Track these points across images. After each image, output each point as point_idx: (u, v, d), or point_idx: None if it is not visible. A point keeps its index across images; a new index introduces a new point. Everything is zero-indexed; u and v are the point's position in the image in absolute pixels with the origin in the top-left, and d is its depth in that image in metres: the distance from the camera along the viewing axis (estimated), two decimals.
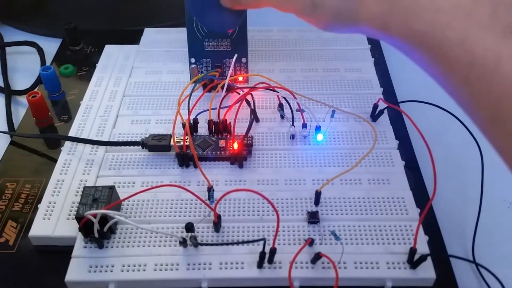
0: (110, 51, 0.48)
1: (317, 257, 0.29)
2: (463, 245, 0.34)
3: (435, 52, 0.22)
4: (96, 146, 0.37)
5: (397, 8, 0.23)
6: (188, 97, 0.38)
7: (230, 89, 0.39)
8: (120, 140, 0.38)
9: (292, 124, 0.38)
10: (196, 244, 0.30)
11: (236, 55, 0.40)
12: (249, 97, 0.38)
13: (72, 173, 0.35)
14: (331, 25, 0.27)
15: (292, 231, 0.31)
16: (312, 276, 0.29)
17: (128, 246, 0.31)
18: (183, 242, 0.30)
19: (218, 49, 0.41)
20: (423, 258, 0.29)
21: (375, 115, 0.39)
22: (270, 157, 0.36)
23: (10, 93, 0.46)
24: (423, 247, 0.30)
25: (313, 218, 0.32)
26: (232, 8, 0.34)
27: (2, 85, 0.47)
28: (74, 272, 0.29)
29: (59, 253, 0.31)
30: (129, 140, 0.38)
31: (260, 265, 0.29)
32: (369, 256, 0.30)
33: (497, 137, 0.22)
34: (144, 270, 0.29)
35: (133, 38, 0.49)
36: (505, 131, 0.21)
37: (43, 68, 0.43)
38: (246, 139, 0.36)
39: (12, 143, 0.40)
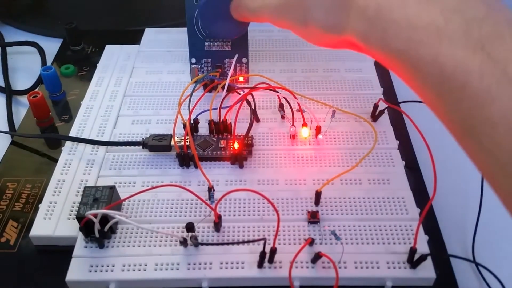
0: (111, 51, 0.48)
1: (317, 257, 0.29)
2: (463, 245, 0.34)
3: (410, 68, 0.23)
4: (96, 146, 0.37)
5: (376, 26, 0.24)
6: (188, 97, 0.38)
7: (231, 89, 0.39)
8: (120, 140, 0.38)
9: (293, 124, 0.38)
10: (196, 244, 0.30)
11: (236, 55, 0.40)
12: (249, 97, 0.38)
13: (72, 173, 0.35)
14: (322, 41, 0.29)
15: (293, 231, 0.31)
16: (313, 276, 0.29)
17: (128, 246, 0.31)
18: (183, 242, 0.30)
19: (219, 49, 0.41)
20: (423, 257, 0.29)
21: (375, 115, 0.39)
22: (270, 157, 0.36)
23: (11, 93, 0.46)
24: (423, 247, 0.30)
25: (313, 218, 0.32)
26: (238, 19, 0.36)
27: (3, 85, 0.47)
28: (75, 271, 0.30)
29: (60, 253, 0.31)
30: (129, 140, 0.38)
31: (260, 264, 0.29)
32: (369, 255, 0.30)
33: (469, 149, 0.22)
34: (145, 270, 0.30)
35: (134, 38, 0.49)
36: (477, 143, 0.21)
37: (43, 68, 0.43)
38: (246, 139, 0.36)
39: (12, 143, 0.40)
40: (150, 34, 0.50)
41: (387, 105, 0.38)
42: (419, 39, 0.22)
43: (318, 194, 0.32)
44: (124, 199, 0.32)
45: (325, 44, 0.29)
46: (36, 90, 0.45)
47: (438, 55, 0.22)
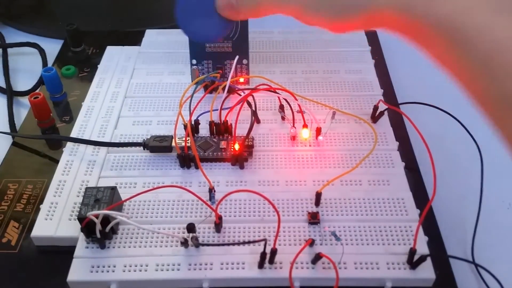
0: (112, 52, 0.48)
1: (317, 258, 0.29)
2: (462, 246, 0.34)
3: (454, 36, 0.22)
4: (97, 147, 0.37)
5: None
6: (189, 99, 0.38)
7: (231, 90, 0.40)
8: (121, 141, 0.38)
9: (293, 126, 0.38)
10: (197, 244, 0.30)
11: (237, 57, 0.40)
12: (250, 99, 0.38)
13: (74, 174, 0.36)
14: (342, 18, 0.26)
15: (293, 231, 0.32)
16: (313, 276, 0.29)
17: (129, 247, 0.31)
18: (184, 243, 0.30)
19: (219, 50, 0.41)
20: (422, 258, 0.29)
21: (375, 117, 0.39)
22: (271, 158, 0.36)
23: (12, 94, 0.47)
24: (422, 248, 0.30)
25: (313, 219, 0.32)
26: (233, 19, 0.32)
27: (4, 86, 0.47)
28: (76, 272, 0.30)
29: (61, 253, 0.31)
30: (130, 141, 0.38)
31: (261, 265, 0.29)
32: (369, 256, 0.30)
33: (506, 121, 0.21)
34: (146, 270, 0.30)
35: (135, 39, 0.49)
36: None
37: (45, 69, 0.43)
38: (247, 140, 0.36)
39: (14, 144, 0.40)
40: (150, 35, 0.50)
41: (387, 107, 0.38)
42: (467, 5, 0.21)
43: (318, 195, 0.33)
44: (125, 200, 0.32)
45: (346, 22, 0.26)
46: (37, 91, 0.45)
47: (488, 25, 0.21)
